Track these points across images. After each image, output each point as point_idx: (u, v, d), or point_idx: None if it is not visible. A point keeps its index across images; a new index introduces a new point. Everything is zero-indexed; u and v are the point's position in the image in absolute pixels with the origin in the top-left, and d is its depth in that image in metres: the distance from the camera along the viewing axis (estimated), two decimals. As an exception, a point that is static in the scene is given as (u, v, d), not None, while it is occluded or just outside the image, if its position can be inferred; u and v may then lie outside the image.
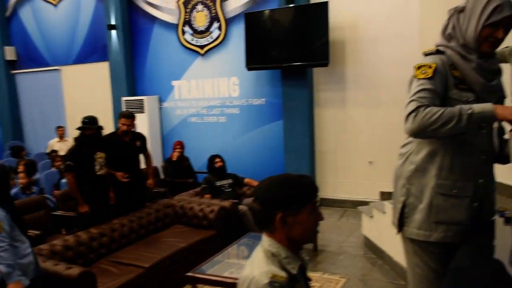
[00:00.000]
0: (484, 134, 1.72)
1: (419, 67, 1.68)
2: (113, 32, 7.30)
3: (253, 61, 6.08)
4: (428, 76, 1.64)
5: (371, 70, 5.77)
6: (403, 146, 1.87)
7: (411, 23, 5.34)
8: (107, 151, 4.16)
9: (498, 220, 1.76)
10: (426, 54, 1.74)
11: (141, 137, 4.61)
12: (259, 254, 1.36)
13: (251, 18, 6.07)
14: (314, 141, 6.22)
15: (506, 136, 1.53)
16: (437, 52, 1.72)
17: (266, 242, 1.36)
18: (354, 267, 4.09)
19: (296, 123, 6.05)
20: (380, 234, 4.17)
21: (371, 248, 4.41)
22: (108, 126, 7.45)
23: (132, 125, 4.42)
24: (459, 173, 1.71)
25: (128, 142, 4.44)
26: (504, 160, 1.79)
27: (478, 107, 1.55)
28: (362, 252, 4.43)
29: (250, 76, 6.43)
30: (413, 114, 1.59)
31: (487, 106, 1.56)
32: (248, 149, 6.58)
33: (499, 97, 1.78)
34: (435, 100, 1.63)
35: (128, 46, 7.36)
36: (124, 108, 7.16)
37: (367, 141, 5.87)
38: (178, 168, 5.97)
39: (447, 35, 1.73)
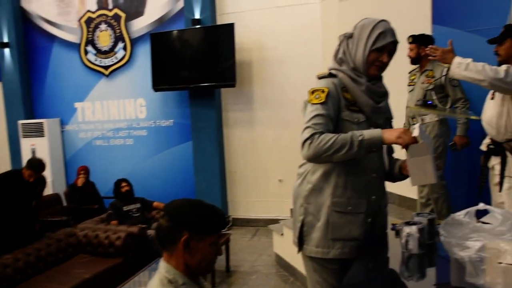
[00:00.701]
0: (375, 154, 1.81)
1: (313, 92, 1.74)
2: (6, 51, 6.83)
3: (160, 82, 6.00)
4: (322, 101, 1.71)
5: (278, 90, 5.92)
6: (300, 166, 1.93)
7: (314, 44, 5.59)
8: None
9: (390, 233, 1.86)
10: (320, 77, 1.81)
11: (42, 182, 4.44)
12: (154, 281, 1.33)
13: (157, 39, 6.01)
14: (224, 161, 6.23)
15: (407, 157, 1.66)
16: (330, 75, 1.81)
17: (163, 268, 1.34)
18: (267, 285, 4.12)
19: (205, 143, 6.04)
20: (291, 251, 4.20)
21: (283, 266, 4.48)
22: (2, 151, 7.09)
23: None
24: (353, 191, 1.80)
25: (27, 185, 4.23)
26: (394, 178, 1.92)
27: (368, 133, 1.65)
28: (274, 270, 4.48)
29: (157, 97, 6.33)
30: (308, 142, 1.65)
31: (376, 132, 1.66)
32: (157, 171, 6.43)
33: (387, 118, 1.92)
34: (328, 125, 1.70)
35: (24, 65, 6.92)
36: (21, 133, 6.71)
37: (276, 160, 5.98)
38: (84, 194, 5.66)
39: (339, 59, 1.83)
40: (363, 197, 1.82)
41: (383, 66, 1.80)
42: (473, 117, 3.43)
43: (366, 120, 1.79)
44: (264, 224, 5.83)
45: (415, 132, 1.65)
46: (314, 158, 1.68)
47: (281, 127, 5.93)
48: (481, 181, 3.15)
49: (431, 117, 3.73)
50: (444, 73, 3.62)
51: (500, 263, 1.28)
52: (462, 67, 2.70)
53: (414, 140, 1.63)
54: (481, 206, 1.43)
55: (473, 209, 1.46)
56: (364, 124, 1.78)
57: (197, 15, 5.86)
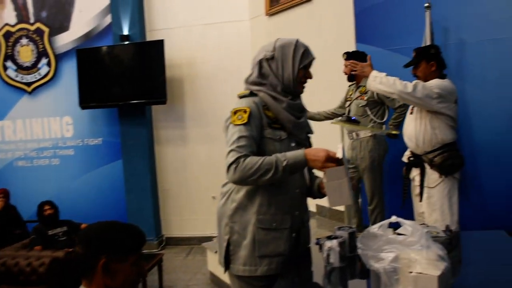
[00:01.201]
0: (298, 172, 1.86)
1: (235, 112, 1.76)
2: None
3: (87, 99, 5.82)
4: (244, 122, 1.73)
5: (209, 106, 5.92)
6: (224, 185, 1.93)
7: (244, 61, 5.51)
8: None
9: (315, 248, 1.91)
10: (241, 97, 1.84)
11: None
12: None
13: (84, 55, 5.83)
14: (157, 179, 6.14)
15: (324, 180, 1.72)
16: (251, 94, 1.84)
17: None
18: (201, 305, 4.06)
19: (136, 162, 5.92)
20: (224, 269, 4.21)
21: (218, 284, 4.43)
22: None
23: None
24: (277, 207, 1.83)
25: None
26: (314, 195, 1.98)
27: (291, 157, 1.69)
28: (209, 288, 4.43)
29: (85, 115, 6.10)
30: (233, 166, 1.67)
31: (299, 156, 1.70)
32: (86, 192, 6.17)
33: (307, 133, 1.98)
34: (252, 146, 1.72)
35: None
36: None
37: (209, 177, 5.93)
38: (4, 219, 5.30)
39: (257, 82, 1.87)
40: (287, 213, 1.85)
41: (306, 82, 1.90)
42: (394, 132, 3.57)
43: (288, 137, 1.83)
44: (198, 242, 5.72)
45: (339, 154, 1.70)
46: (240, 182, 1.71)
47: (213, 144, 5.90)
48: (403, 192, 3.33)
49: (365, 132, 3.83)
50: None
51: (411, 272, 1.35)
52: (377, 81, 2.91)
53: (337, 164, 1.67)
54: (393, 218, 1.51)
55: (386, 222, 1.53)
56: (286, 141, 1.82)
57: (125, 31, 5.77)
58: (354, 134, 3.89)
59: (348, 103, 4.02)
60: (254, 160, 1.67)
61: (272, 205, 1.82)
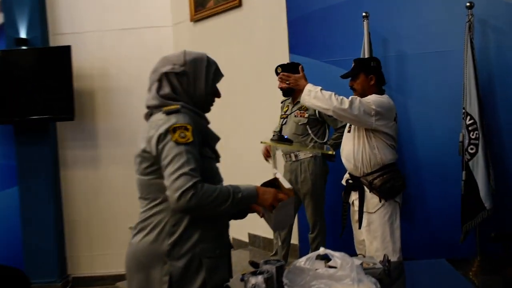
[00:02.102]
0: None
1: (174, 129, 1.71)
2: None
3: (-26, 114, 5.44)
4: (189, 141, 1.70)
5: (126, 123, 5.75)
6: (149, 217, 1.82)
7: None
8: None
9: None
10: (169, 112, 1.77)
11: None
12: None
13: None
14: (62, 208, 5.86)
15: (270, 213, 1.83)
16: (179, 109, 1.79)
17: None
18: None
19: (36, 188, 5.60)
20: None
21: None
22: None
23: None
24: (217, 233, 1.87)
25: None
26: (237, 215, 2.02)
27: (245, 190, 1.77)
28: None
29: (-29, 133, 5.70)
30: (191, 192, 1.62)
31: (252, 191, 1.81)
32: (-29, 226, 5.72)
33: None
34: (199, 168, 1.70)
35: None
36: None
37: (126, 204, 5.60)
38: None
39: (173, 97, 1.84)
40: (225, 239, 1.91)
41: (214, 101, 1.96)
42: (329, 152, 3.62)
43: (214, 154, 1.90)
44: (113, 282, 5.52)
45: (286, 184, 1.80)
46: (194, 210, 1.68)
47: (130, 166, 5.35)
48: (342, 218, 3.38)
49: (305, 153, 3.87)
50: None
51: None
52: (312, 95, 2.95)
53: (286, 199, 1.79)
54: (321, 250, 1.50)
55: (313, 254, 1.52)
56: (215, 160, 1.90)
57: (22, 34, 5.49)
58: (292, 155, 3.92)
59: (282, 120, 4.05)
60: (211, 188, 1.69)
61: (214, 231, 1.85)
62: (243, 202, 1.79)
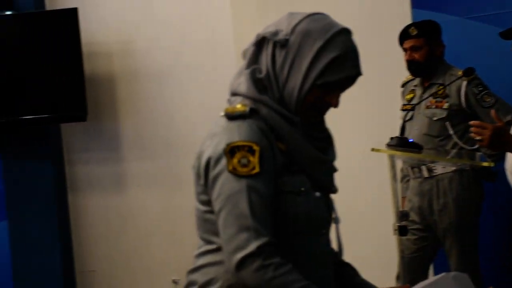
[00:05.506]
0: None
1: (231, 151, 1.28)
2: None
3: None
4: (255, 172, 1.27)
5: (164, 124, 4.92)
6: (201, 268, 1.47)
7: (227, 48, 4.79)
8: None
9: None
10: (233, 117, 1.33)
11: None
12: None
13: None
14: (73, 254, 4.86)
15: None
16: (251, 112, 1.34)
17: None
18: None
19: (33, 223, 4.71)
20: None
21: None
22: None
23: None
24: None
25: None
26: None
27: None
28: None
29: None
30: (256, 264, 1.24)
31: None
32: None
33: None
34: (270, 217, 1.31)
35: None
36: None
37: (168, 246, 4.86)
38: None
39: (258, 79, 1.37)
40: None
41: (327, 109, 1.41)
42: (485, 164, 3.25)
43: (312, 187, 1.38)
44: None
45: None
46: (251, 286, 1.31)
47: (174, 188, 4.82)
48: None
49: (445, 166, 3.50)
50: (463, 90, 3.40)
51: None
52: None
53: None
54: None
55: None
56: (311, 195, 1.39)
57: (6, -8, 4.71)
58: (423, 169, 3.55)
59: (405, 113, 3.63)
60: (291, 278, 1.27)
61: None
62: None
